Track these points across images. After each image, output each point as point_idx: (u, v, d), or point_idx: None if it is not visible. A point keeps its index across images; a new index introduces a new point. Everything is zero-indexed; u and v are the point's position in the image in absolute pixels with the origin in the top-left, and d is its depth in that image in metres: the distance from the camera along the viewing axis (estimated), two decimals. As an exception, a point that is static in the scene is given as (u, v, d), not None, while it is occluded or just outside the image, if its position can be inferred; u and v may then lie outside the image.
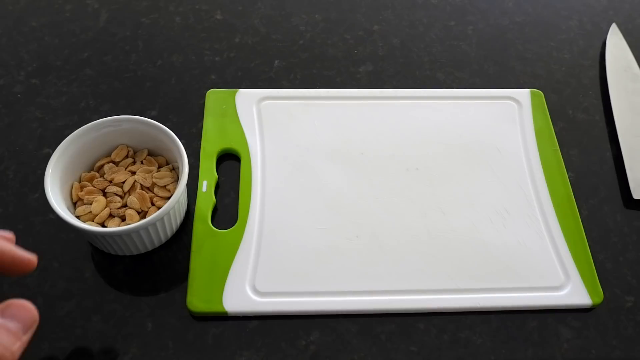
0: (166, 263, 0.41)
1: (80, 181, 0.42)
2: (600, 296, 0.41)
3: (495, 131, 0.49)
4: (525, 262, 0.42)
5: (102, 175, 0.42)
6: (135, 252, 0.41)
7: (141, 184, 0.41)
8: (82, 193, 0.41)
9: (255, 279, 0.40)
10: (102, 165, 0.43)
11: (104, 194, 0.41)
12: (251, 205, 0.43)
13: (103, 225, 0.40)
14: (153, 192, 0.41)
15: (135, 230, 0.37)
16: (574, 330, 0.40)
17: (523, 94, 0.52)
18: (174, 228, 0.42)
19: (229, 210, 0.44)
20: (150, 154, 0.44)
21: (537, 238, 0.43)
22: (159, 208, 0.40)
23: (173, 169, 0.43)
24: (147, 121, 0.42)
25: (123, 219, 0.40)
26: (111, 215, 0.40)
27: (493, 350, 0.39)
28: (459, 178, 0.46)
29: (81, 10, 0.56)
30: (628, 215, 0.45)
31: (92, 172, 0.42)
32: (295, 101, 0.50)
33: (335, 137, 0.48)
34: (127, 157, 0.43)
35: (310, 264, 0.41)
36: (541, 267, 0.42)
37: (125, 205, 0.41)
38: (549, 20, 0.59)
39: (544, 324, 0.40)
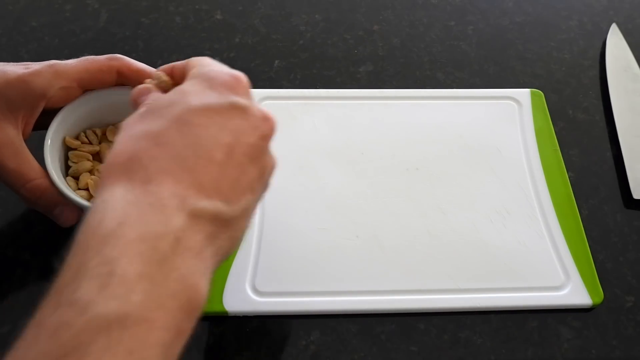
0: (166, 263, 0.41)
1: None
2: (600, 296, 0.41)
3: (495, 131, 0.49)
4: (525, 262, 0.42)
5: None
6: None
7: None
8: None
9: (255, 279, 0.40)
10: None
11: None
12: (251, 205, 0.43)
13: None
14: None
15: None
16: (574, 330, 0.40)
17: (523, 94, 0.52)
18: None
19: (229, 210, 0.44)
20: None
21: (537, 238, 0.43)
22: None
23: None
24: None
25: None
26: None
27: (493, 350, 0.39)
28: (459, 178, 0.46)
29: (81, 10, 0.56)
30: (628, 215, 0.45)
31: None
32: (295, 101, 0.50)
33: (335, 137, 0.48)
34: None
35: (311, 263, 0.41)
36: (541, 267, 0.42)
37: None
38: (549, 20, 0.59)
39: (544, 324, 0.40)
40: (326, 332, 0.39)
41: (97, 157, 0.41)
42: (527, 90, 0.52)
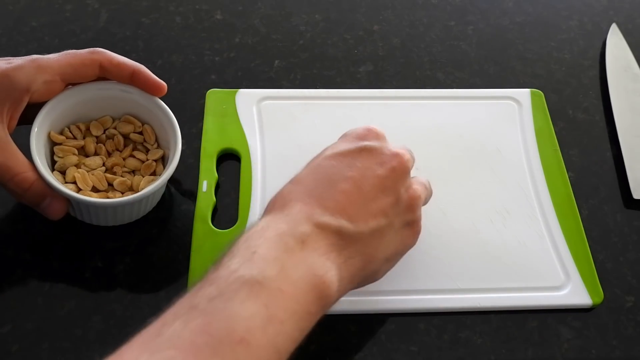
0: (166, 263, 0.41)
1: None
2: (600, 296, 0.41)
3: (495, 131, 0.49)
4: (525, 262, 0.42)
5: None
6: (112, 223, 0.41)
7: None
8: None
9: (255, 279, 0.40)
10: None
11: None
12: (251, 205, 0.43)
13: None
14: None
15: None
16: (574, 330, 0.40)
17: (523, 94, 0.52)
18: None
19: (229, 210, 0.44)
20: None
21: (537, 238, 0.43)
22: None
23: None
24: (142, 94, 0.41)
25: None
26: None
27: (493, 350, 0.39)
28: (459, 178, 0.46)
29: (81, 10, 0.56)
30: (628, 215, 0.45)
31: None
32: (295, 101, 0.50)
33: (335, 137, 0.47)
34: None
35: (311, 264, 0.41)
36: (541, 267, 0.42)
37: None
38: (549, 20, 0.59)
39: (544, 324, 0.40)
40: (326, 332, 0.39)
41: (82, 151, 0.41)
42: (527, 90, 0.52)
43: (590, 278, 0.41)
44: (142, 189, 0.39)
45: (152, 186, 0.38)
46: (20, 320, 0.38)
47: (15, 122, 0.37)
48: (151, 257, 0.41)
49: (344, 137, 0.37)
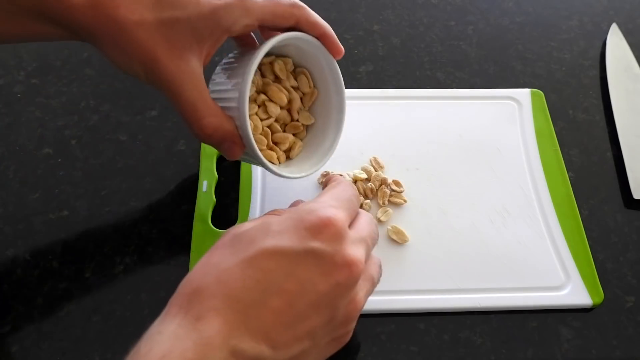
0: (166, 263, 0.41)
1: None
2: (600, 296, 0.41)
3: (496, 131, 0.49)
4: (525, 262, 0.42)
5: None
6: None
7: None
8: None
9: (255, 279, 0.40)
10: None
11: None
12: (251, 205, 0.43)
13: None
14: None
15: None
16: (574, 330, 0.40)
17: (523, 94, 0.52)
18: None
19: (229, 210, 0.44)
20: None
21: (537, 238, 0.43)
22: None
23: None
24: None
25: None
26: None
27: (493, 350, 0.39)
28: (459, 178, 0.46)
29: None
30: (628, 215, 0.45)
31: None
32: (295, 101, 0.50)
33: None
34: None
35: (310, 264, 0.41)
36: (541, 267, 0.42)
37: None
38: (549, 20, 0.59)
39: (544, 324, 0.40)
40: (326, 332, 0.39)
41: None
42: (527, 90, 0.52)
43: (591, 278, 0.41)
44: (294, 154, 0.40)
45: (319, 166, 0.39)
46: (20, 320, 0.38)
47: (208, 60, 0.36)
48: (151, 257, 0.41)
49: (297, 219, 0.30)
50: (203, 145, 0.47)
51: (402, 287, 0.40)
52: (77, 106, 0.49)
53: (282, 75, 0.39)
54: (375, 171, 0.45)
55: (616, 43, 0.56)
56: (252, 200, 0.44)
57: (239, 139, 0.36)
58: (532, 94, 0.52)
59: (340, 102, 0.40)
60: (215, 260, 0.29)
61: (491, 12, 0.59)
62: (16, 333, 0.38)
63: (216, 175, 0.45)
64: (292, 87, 0.40)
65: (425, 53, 0.55)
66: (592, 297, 0.40)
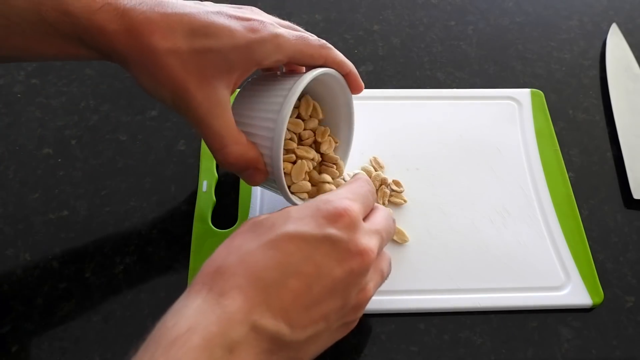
0: (166, 263, 0.41)
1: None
2: (600, 296, 0.41)
3: (496, 131, 0.49)
4: (525, 262, 0.42)
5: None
6: None
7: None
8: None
9: (255, 279, 0.40)
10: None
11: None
12: (251, 205, 0.43)
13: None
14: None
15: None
16: (574, 330, 0.40)
17: (523, 94, 0.52)
18: None
19: (229, 210, 0.44)
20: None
21: (537, 238, 0.43)
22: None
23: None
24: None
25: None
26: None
27: (493, 350, 0.39)
28: (459, 178, 0.46)
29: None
30: (628, 215, 0.45)
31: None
32: (295, 101, 0.50)
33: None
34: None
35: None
36: (541, 267, 0.42)
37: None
38: (549, 20, 0.59)
39: (544, 324, 0.40)
40: (326, 332, 0.39)
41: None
42: (527, 90, 0.52)
43: (591, 278, 0.41)
44: (325, 189, 0.39)
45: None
46: (20, 320, 0.38)
47: (236, 87, 0.36)
48: (151, 257, 0.41)
49: (314, 208, 0.32)
50: (203, 145, 0.47)
51: (402, 287, 0.40)
52: (77, 106, 0.50)
53: (305, 116, 0.39)
54: (375, 171, 0.45)
55: (616, 43, 0.56)
56: (252, 200, 0.44)
57: (263, 166, 0.36)
58: (532, 94, 0.52)
59: (349, 135, 0.42)
60: (237, 243, 0.31)
61: (491, 12, 0.59)
62: (16, 333, 0.38)
63: (216, 175, 0.45)
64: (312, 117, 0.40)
65: (425, 53, 0.55)
66: (592, 297, 0.40)
